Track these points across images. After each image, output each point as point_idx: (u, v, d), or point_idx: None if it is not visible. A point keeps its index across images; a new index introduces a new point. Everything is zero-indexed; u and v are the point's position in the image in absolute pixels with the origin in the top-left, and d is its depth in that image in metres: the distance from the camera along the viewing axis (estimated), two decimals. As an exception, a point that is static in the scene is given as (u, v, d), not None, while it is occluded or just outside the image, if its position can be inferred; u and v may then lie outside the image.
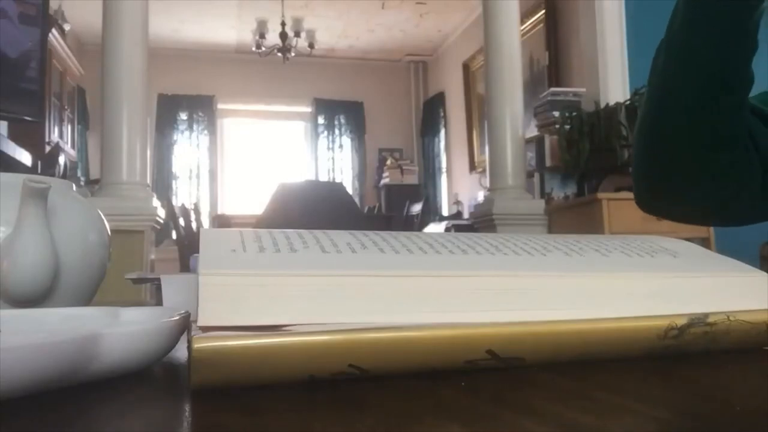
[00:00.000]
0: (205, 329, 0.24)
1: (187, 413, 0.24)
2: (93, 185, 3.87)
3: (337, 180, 6.44)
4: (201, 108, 6.39)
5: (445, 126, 6.34)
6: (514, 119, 3.08)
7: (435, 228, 4.49)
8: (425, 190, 6.34)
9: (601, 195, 2.68)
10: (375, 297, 0.26)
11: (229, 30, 5.90)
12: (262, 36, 5.26)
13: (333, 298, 0.26)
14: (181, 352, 0.35)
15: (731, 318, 0.30)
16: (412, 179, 6.43)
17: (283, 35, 5.10)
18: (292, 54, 5.26)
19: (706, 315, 0.30)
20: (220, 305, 0.25)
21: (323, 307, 0.26)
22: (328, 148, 6.78)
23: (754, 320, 0.31)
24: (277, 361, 0.25)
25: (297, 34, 5.17)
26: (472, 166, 5.61)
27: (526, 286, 0.29)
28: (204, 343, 0.24)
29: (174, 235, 3.48)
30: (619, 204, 2.66)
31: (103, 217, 0.57)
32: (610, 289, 0.30)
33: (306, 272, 0.26)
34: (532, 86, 3.95)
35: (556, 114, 3.10)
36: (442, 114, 6.40)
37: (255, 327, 0.24)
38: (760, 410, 0.23)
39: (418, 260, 0.29)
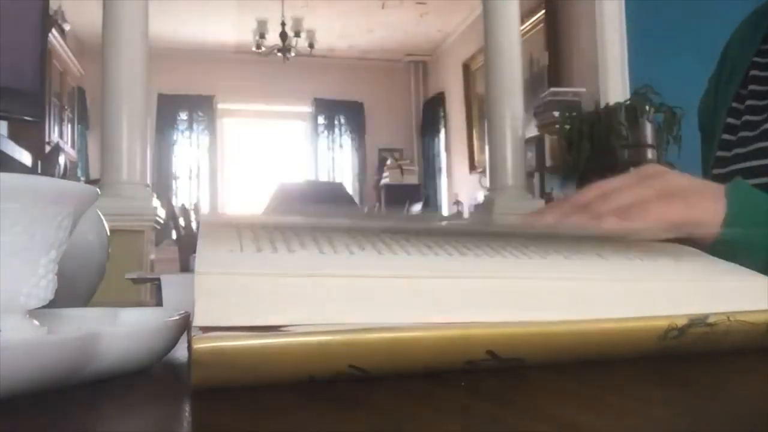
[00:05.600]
0: (205, 329, 0.24)
1: (187, 413, 0.24)
2: (93, 185, 3.86)
3: (337, 180, 6.44)
4: (201, 108, 6.39)
5: (445, 126, 6.34)
6: (514, 119, 3.07)
7: (435, 228, 4.48)
8: (425, 190, 6.34)
9: (601, 195, 2.67)
10: (372, 298, 0.26)
11: (229, 30, 5.90)
12: (262, 36, 5.25)
13: (330, 299, 0.26)
14: (181, 352, 0.35)
15: (731, 319, 0.30)
16: (412, 179, 6.43)
17: (283, 35, 5.10)
18: (292, 54, 5.26)
19: (707, 316, 0.30)
20: (217, 305, 0.24)
21: (320, 308, 0.26)
22: (328, 148, 6.78)
23: (754, 321, 0.31)
24: (277, 361, 0.25)
25: (297, 34, 5.17)
26: (472, 166, 5.61)
27: (525, 288, 0.29)
28: (204, 344, 0.24)
29: (174, 235, 3.48)
30: (619, 204, 2.65)
31: (102, 217, 0.57)
32: (610, 291, 0.30)
33: (303, 273, 0.26)
34: (532, 86, 3.94)
35: (556, 114, 3.10)
36: (442, 114, 6.40)
37: (255, 327, 0.24)
38: (761, 410, 0.23)
39: (416, 262, 0.29)
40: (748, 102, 0.68)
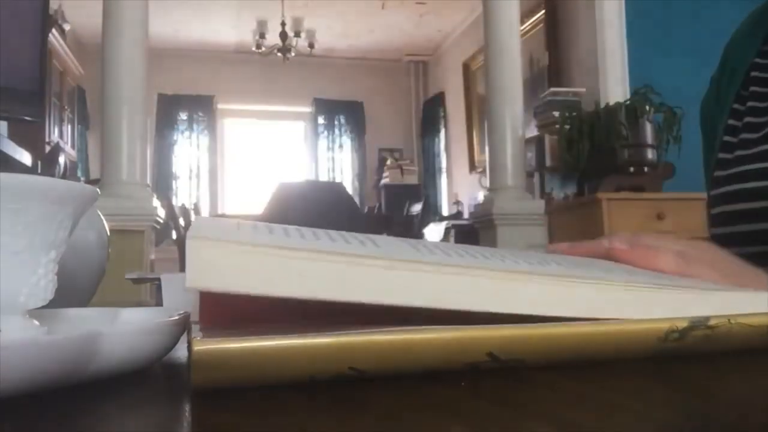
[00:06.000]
0: (205, 332, 0.24)
1: (187, 413, 0.24)
2: (93, 185, 3.86)
3: (337, 180, 6.44)
4: (201, 108, 6.39)
5: (445, 126, 6.34)
6: (514, 119, 3.07)
7: (435, 228, 4.49)
8: (425, 190, 6.34)
9: (601, 195, 2.67)
10: (353, 279, 0.26)
11: (229, 30, 5.90)
12: (262, 36, 5.26)
13: (314, 276, 0.26)
14: (181, 352, 0.35)
15: (732, 321, 0.30)
16: (412, 179, 6.43)
17: (283, 35, 5.10)
18: (292, 54, 5.26)
19: (707, 318, 0.30)
20: (204, 270, 0.25)
21: (302, 281, 0.26)
22: (328, 148, 6.78)
23: (755, 323, 0.31)
24: (278, 363, 0.25)
25: (297, 34, 5.17)
26: (472, 166, 5.61)
27: (527, 286, 0.29)
28: (204, 346, 0.24)
29: (174, 235, 3.48)
30: (619, 204, 2.66)
31: (102, 217, 0.57)
32: (611, 295, 0.30)
33: (289, 250, 0.26)
34: (532, 86, 3.94)
35: (556, 114, 3.10)
36: (442, 114, 6.40)
37: (255, 329, 0.25)
38: (761, 410, 0.23)
39: (403, 251, 0.29)
40: (750, 103, 0.67)
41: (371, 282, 0.26)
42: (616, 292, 0.30)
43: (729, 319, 0.30)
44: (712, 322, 0.30)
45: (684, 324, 0.29)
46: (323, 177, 6.63)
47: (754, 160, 0.63)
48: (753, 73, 0.68)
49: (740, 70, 0.70)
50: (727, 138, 0.69)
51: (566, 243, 0.43)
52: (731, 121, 0.69)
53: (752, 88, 0.68)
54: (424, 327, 0.26)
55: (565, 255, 0.41)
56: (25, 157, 2.10)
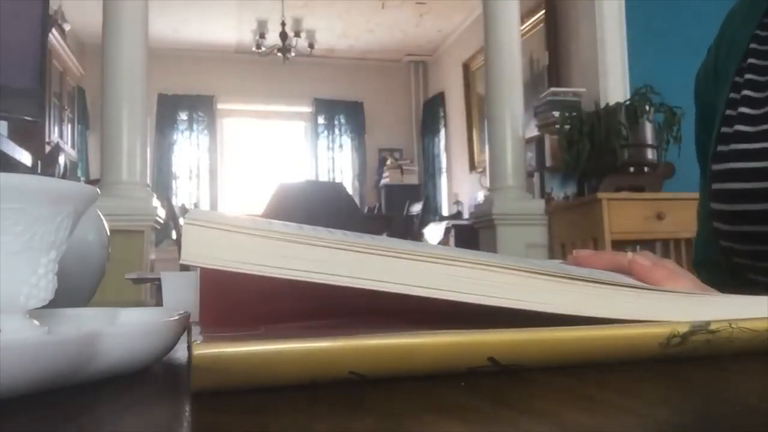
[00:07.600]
0: (205, 335, 0.24)
1: (187, 413, 0.24)
2: (93, 185, 3.86)
3: (337, 180, 6.44)
4: (201, 108, 6.39)
5: (445, 126, 6.34)
6: (514, 119, 3.07)
7: (435, 228, 4.49)
8: (425, 190, 6.34)
9: (601, 195, 2.67)
10: (336, 261, 0.27)
11: (229, 30, 5.90)
12: (262, 36, 5.26)
13: (300, 258, 0.27)
14: (181, 352, 0.35)
15: (733, 326, 0.30)
16: (412, 179, 6.43)
17: (283, 35, 5.10)
18: (292, 54, 5.26)
19: (708, 323, 0.30)
20: (197, 248, 0.26)
21: (281, 259, 0.26)
22: (328, 148, 6.78)
23: (756, 328, 0.31)
24: (278, 367, 0.25)
25: (297, 34, 5.18)
26: (472, 166, 5.61)
27: (532, 283, 0.29)
28: (204, 350, 0.24)
29: (174, 235, 3.49)
30: (619, 204, 2.66)
31: (102, 217, 0.57)
32: (612, 296, 0.30)
33: (278, 233, 0.27)
34: (532, 86, 3.94)
35: (556, 114, 3.10)
36: (442, 114, 6.40)
37: (254, 331, 0.25)
38: (761, 410, 0.23)
39: (403, 244, 0.29)
40: (747, 76, 0.66)
41: (353, 266, 0.27)
42: (614, 292, 0.30)
43: (730, 324, 0.30)
44: (713, 327, 0.30)
45: (685, 329, 0.29)
46: (323, 177, 6.63)
47: (756, 139, 0.62)
48: (752, 45, 0.67)
49: (741, 42, 0.68)
50: (729, 112, 0.67)
51: (588, 251, 0.43)
52: (732, 95, 0.67)
53: (750, 60, 0.67)
54: (424, 331, 0.26)
55: (586, 264, 0.41)
56: (25, 157, 2.10)
